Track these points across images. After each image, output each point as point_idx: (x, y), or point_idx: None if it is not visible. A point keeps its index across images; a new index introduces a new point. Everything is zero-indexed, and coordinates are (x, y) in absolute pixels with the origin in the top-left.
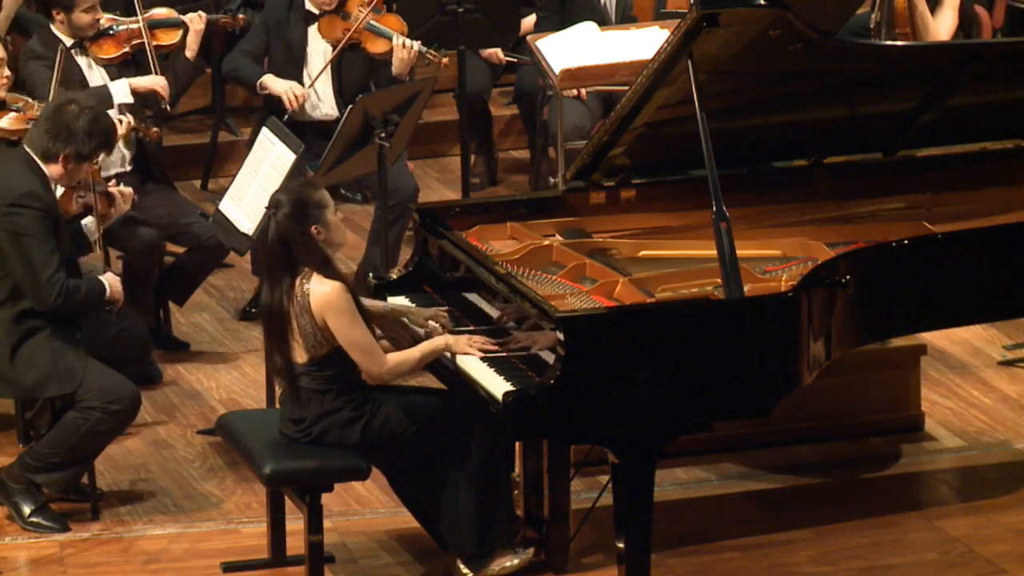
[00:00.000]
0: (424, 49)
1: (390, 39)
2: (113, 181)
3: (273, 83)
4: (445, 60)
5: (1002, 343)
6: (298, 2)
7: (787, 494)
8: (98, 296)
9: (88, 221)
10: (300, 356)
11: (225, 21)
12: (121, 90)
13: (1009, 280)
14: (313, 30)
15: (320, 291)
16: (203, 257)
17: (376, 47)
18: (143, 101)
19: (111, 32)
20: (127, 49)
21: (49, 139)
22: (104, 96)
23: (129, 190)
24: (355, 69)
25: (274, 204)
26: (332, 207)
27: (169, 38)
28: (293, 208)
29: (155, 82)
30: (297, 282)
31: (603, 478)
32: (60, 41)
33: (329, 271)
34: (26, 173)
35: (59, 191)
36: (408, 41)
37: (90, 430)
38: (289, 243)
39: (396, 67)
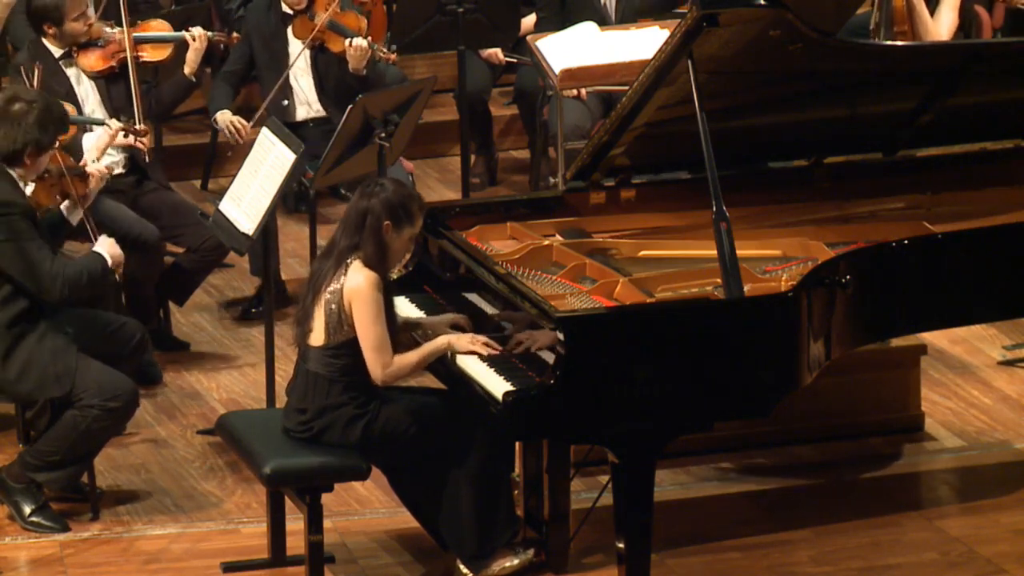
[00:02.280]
0: (375, 47)
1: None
2: (83, 161)
3: (220, 118)
4: (393, 56)
5: (1002, 343)
6: (276, 4)
7: (787, 494)
8: (101, 272)
9: (65, 206)
10: (317, 339)
11: (219, 39)
12: (105, 250)
13: (1009, 280)
14: (289, 31)
15: (355, 278)
16: (202, 257)
17: (336, 45)
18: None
19: (99, 44)
20: (113, 63)
21: (8, 142)
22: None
23: (101, 166)
24: (331, 67)
25: (381, 183)
26: (414, 232)
27: (157, 54)
28: (392, 197)
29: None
30: (344, 263)
31: (603, 478)
32: (49, 53)
33: (376, 261)
34: None
35: (29, 188)
36: (356, 40)
37: (89, 427)
38: (366, 216)
39: (351, 64)
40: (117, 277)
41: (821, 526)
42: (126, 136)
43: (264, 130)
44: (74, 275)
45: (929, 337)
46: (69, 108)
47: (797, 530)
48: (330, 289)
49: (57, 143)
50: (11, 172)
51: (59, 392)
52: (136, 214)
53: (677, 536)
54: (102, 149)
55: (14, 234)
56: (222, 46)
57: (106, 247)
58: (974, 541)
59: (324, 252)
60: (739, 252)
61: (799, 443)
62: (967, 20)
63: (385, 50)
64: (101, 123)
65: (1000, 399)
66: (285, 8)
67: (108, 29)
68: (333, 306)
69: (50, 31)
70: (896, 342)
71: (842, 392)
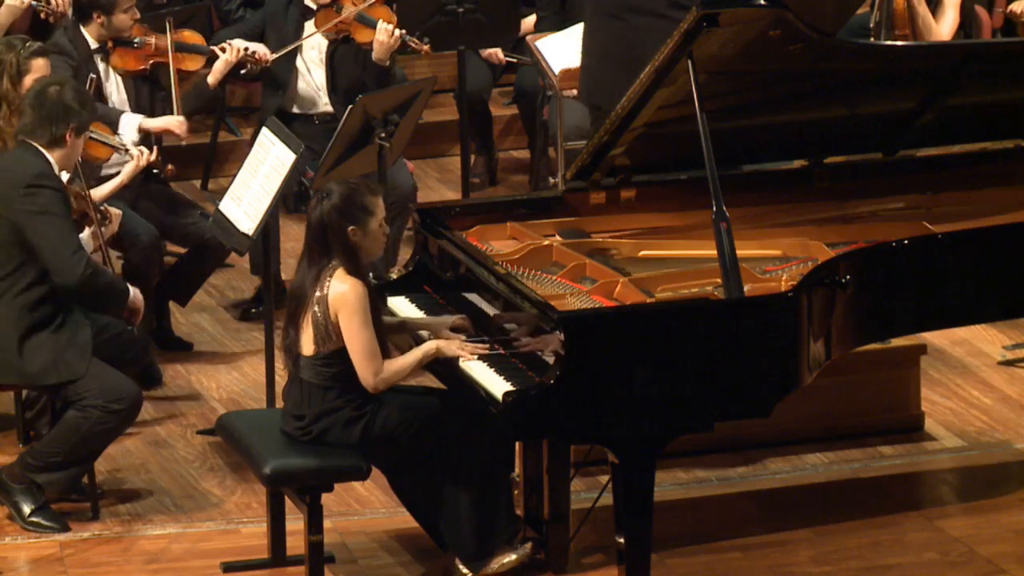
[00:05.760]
0: (407, 36)
1: (375, 27)
2: (105, 205)
3: (235, 42)
4: (426, 47)
5: (1002, 343)
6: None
7: (787, 494)
8: (121, 294)
9: (85, 235)
10: (307, 348)
11: (249, 59)
12: (130, 126)
13: (1009, 280)
14: (309, 25)
15: (339, 287)
16: (204, 256)
17: (364, 36)
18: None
19: (135, 44)
20: (146, 66)
21: (50, 124)
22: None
23: (118, 211)
24: (348, 63)
25: (326, 191)
26: (380, 217)
27: (193, 64)
28: (340, 201)
29: (168, 122)
30: (324, 273)
31: (603, 478)
32: (85, 41)
33: (353, 268)
34: (34, 159)
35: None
36: (390, 27)
37: (91, 429)
38: (326, 231)
39: (376, 52)
40: (131, 325)
41: (821, 526)
42: (152, 167)
43: (264, 130)
44: (98, 268)
45: (929, 337)
46: (105, 130)
47: (797, 530)
48: (315, 298)
49: (92, 128)
50: (50, 158)
51: (65, 378)
52: (136, 213)
53: (677, 536)
54: (130, 175)
55: (52, 208)
56: (248, 65)
57: (136, 293)
58: (974, 541)
59: (301, 264)
60: (739, 252)
61: (799, 443)
62: (967, 20)
63: (416, 40)
64: (125, 149)
65: (1000, 399)
66: (308, 2)
67: (146, 31)
68: (320, 316)
69: (98, 20)
70: (896, 342)
71: (842, 392)
